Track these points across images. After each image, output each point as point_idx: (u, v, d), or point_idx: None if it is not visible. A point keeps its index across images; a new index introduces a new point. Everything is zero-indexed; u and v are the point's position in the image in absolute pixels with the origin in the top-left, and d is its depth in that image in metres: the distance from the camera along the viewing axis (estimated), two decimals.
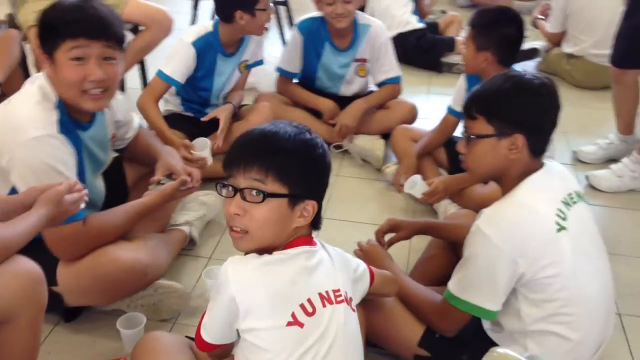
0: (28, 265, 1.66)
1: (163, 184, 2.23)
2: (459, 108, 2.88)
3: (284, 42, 4.66)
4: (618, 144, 3.31)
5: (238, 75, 3.16)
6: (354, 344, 1.52)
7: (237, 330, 1.44)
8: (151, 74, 3.26)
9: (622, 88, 3.16)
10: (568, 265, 1.67)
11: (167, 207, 2.38)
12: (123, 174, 2.46)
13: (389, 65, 3.30)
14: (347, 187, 3.07)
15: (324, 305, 1.43)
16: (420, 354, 1.88)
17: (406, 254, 2.52)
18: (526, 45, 4.16)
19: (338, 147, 3.30)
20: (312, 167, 1.48)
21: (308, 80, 3.38)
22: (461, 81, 2.86)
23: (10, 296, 1.59)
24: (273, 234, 1.46)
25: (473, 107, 1.76)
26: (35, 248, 1.90)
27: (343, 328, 1.45)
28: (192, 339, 1.57)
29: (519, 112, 1.72)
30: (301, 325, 1.39)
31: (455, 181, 2.68)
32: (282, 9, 4.70)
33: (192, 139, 2.89)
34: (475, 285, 1.72)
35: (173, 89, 2.99)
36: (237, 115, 3.11)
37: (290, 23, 4.65)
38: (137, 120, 2.43)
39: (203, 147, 2.75)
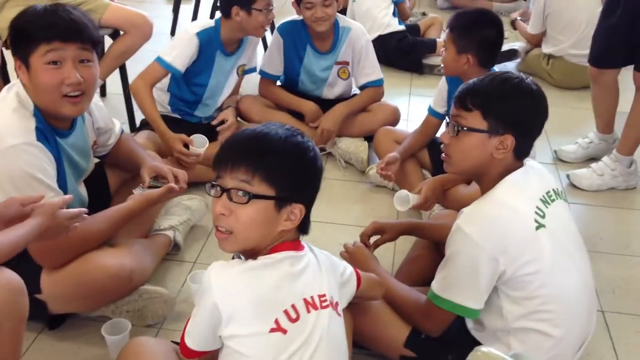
0: (8, 276, 1.64)
1: (157, 186, 2.22)
2: (440, 109, 2.90)
3: (265, 44, 4.66)
4: (598, 142, 3.35)
5: (235, 79, 3.18)
6: (339, 349, 1.52)
7: (220, 336, 1.43)
8: (131, 79, 3.25)
9: (601, 87, 3.19)
10: (547, 262, 1.69)
11: (150, 212, 2.37)
12: (105, 179, 2.44)
13: (371, 68, 3.31)
14: (331, 189, 3.08)
15: (309, 311, 1.43)
16: (406, 354, 1.88)
17: (391, 255, 2.53)
18: (505, 46, 4.21)
19: (321, 150, 3.30)
20: (302, 170, 1.48)
21: (291, 83, 3.38)
22: (442, 83, 2.87)
23: None
24: (258, 236, 1.46)
25: (469, 99, 1.76)
26: (18, 256, 1.89)
27: (327, 333, 1.45)
28: (177, 343, 1.57)
29: (515, 114, 1.74)
30: (284, 331, 1.39)
31: (440, 182, 2.69)
32: None
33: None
34: (457, 284, 1.73)
35: (165, 85, 2.99)
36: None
37: (271, 27, 4.64)
38: (119, 126, 2.42)
39: (200, 145, 2.76)
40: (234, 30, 2.95)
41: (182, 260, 2.51)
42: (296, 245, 1.50)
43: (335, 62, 3.28)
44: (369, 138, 3.22)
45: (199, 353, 1.47)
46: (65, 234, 1.70)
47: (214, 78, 3.05)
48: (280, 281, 1.43)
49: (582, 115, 3.83)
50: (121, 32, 3.36)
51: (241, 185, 1.41)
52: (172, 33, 4.98)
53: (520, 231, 1.68)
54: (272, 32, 4.40)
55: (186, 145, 2.77)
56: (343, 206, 2.94)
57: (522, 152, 1.77)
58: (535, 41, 4.43)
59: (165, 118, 3.03)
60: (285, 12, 5.27)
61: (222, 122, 3.09)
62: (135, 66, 3.29)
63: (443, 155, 1.86)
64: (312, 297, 1.44)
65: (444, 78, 2.85)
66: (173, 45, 2.94)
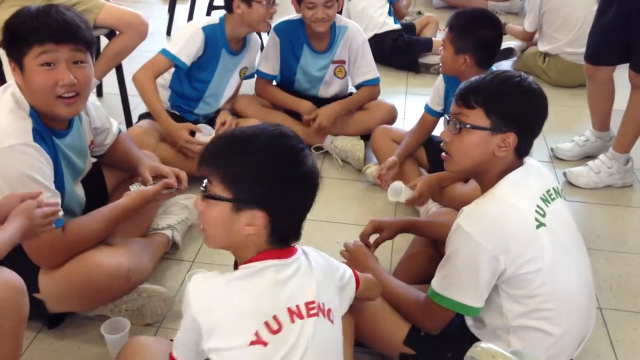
0: (9, 277, 1.64)
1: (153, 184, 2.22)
2: (436, 107, 2.90)
3: (261, 45, 4.65)
4: (594, 140, 3.36)
5: (237, 81, 3.19)
6: (330, 357, 1.49)
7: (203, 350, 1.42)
8: (128, 79, 3.25)
9: (596, 85, 3.20)
10: (548, 261, 1.69)
11: (149, 211, 2.37)
12: (103, 179, 2.44)
13: (367, 67, 3.31)
14: (328, 188, 3.08)
15: (293, 321, 1.39)
16: (406, 352, 1.88)
17: (389, 254, 2.54)
18: (502, 45, 4.22)
19: (318, 148, 3.30)
20: (267, 176, 1.40)
21: (287, 82, 3.38)
22: (439, 81, 2.88)
23: None
24: (223, 237, 1.44)
25: (471, 97, 1.75)
26: (16, 255, 1.89)
27: (315, 343, 1.41)
28: None
29: (518, 111, 1.74)
30: (265, 344, 1.36)
31: (437, 180, 2.70)
32: None
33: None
34: (457, 283, 1.73)
35: (167, 81, 2.99)
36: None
37: None
38: (117, 125, 2.41)
39: (207, 134, 2.78)
40: (237, 26, 2.96)
41: (180, 260, 2.51)
42: (282, 253, 1.45)
43: (331, 61, 3.28)
44: (366, 137, 3.22)
45: None
46: (45, 232, 1.69)
47: (218, 75, 3.05)
48: (261, 291, 1.40)
49: (578, 114, 3.84)
50: (117, 32, 3.36)
51: (205, 185, 1.42)
52: (168, 33, 4.98)
53: (521, 230, 1.68)
54: (268, 32, 4.42)
55: (192, 135, 2.80)
56: (340, 205, 2.95)
57: (523, 150, 1.78)
58: (529, 37, 4.44)
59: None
60: (281, 11, 5.27)
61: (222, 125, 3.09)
62: (131, 66, 3.28)
63: (443, 154, 1.85)
64: (297, 306, 1.41)
65: (441, 76, 2.86)
66: (178, 38, 2.94)
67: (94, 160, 2.37)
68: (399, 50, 4.44)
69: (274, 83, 3.43)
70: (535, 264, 1.68)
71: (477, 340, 1.81)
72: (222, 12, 3.04)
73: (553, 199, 1.77)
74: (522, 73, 1.83)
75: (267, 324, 1.37)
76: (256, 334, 1.36)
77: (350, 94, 3.42)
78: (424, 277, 2.26)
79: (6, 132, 1.86)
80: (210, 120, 3.16)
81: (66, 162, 2.06)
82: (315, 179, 1.47)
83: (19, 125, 1.88)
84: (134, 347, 1.70)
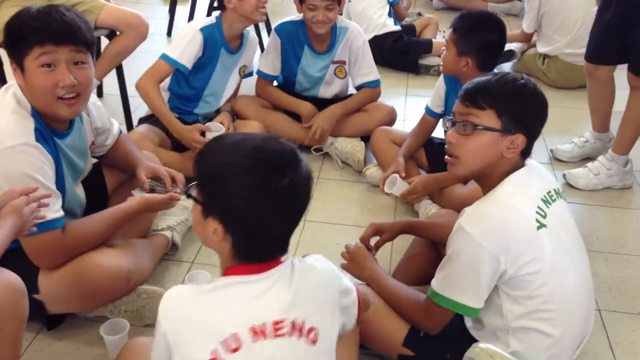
0: (9, 278, 1.64)
1: (153, 189, 2.22)
2: (436, 109, 2.91)
3: (261, 45, 4.66)
4: (593, 142, 3.36)
5: (237, 80, 3.19)
6: None
7: None
8: (128, 80, 3.25)
9: (596, 84, 3.21)
10: (548, 262, 1.69)
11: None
12: (103, 180, 2.44)
13: (367, 69, 3.31)
14: (328, 189, 3.08)
15: (255, 340, 1.32)
16: (405, 353, 1.89)
17: (389, 254, 2.54)
18: None
19: (318, 149, 3.31)
20: (226, 190, 1.34)
21: (288, 83, 3.39)
22: (440, 83, 2.88)
23: None
24: (203, 240, 1.43)
25: (480, 97, 1.74)
26: (15, 256, 1.90)
27: None
28: None
29: (527, 113, 1.74)
30: None
31: (435, 180, 2.71)
32: None
33: (175, 139, 2.91)
34: (458, 283, 1.73)
35: (165, 83, 2.99)
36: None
37: (267, 28, 4.65)
38: (117, 126, 2.42)
39: (217, 131, 2.81)
40: (233, 22, 2.96)
41: (180, 261, 2.51)
42: (252, 269, 1.37)
43: (332, 61, 3.28)
44: (366, 138, 3.23)
45: None
46: (31, 224, 1.68)
47: (217, 74, 3.06)
48: (222, 308, 1.34)
49: (578, 115, 3.84)
50: (117, 33, 3.36)
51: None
52: (169, 34, 4.98)
53: (522, 231, 1.68)
54: (269, 33, 4.42)
55: (202, 134, 2.83)
56: (340, 206, 2.95)
57: (527, 151, 1.78)
58: (527, 38, 4.45)
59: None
60: (282, 11, 5.29)
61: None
62: (132, 66, 3.30)
63: (448, 157, 1.83)
64: (263, 325, 1.33)
65: (441, 78, 2.86)
66: (178, 42, 2.95)
67: (94, 161, 2.37)
68: (398, 52, 4.44)
69: (275, 83, 3.43)
70: (536, 265, 1.68)
71: (476, 341, 1.81)
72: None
73: (554, 200, 1.78)
74: (523, 75, 1.83)
75: (225, 342, 1.31)
76: (214, 351, 1.31)
77: (351, 94, 3.42)
78: (424, 278, 2.26)
79: (8, 132, 1.86)
80: (210, 120, 3.16)
81: (67, 162, 2.06)
82: (289, 202, 1.35)
83: (21, 126, 1.88)
84: (133, 348, 1.70)
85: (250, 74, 3.34)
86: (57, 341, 2.10)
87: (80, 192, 2.21)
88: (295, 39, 3.26)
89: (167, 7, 5.19)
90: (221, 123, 3.06)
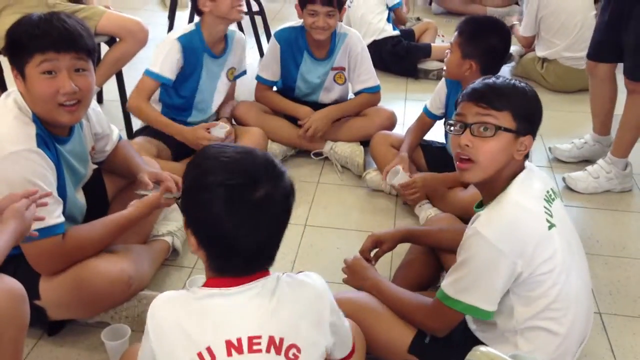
0: (10, 284, 1.64)
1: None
2: (435, 111, 2.92)
3: (260, 51, 4.67)
4: (592, 144, 3.37)
5: (226, 83, 3.16)
6: None
7: None
8: (128, 86, 3.25)
9: (596, 82, 3.23)
10: (559, 261, 1.70)
11: (149, 217, 2.37)
12: (103, 186, 2.44)
13: (367, 75, 3.31)
14: (328, 194, 3.09)
15: (230, 355, 1.30)
16: (410, 359, 1.89)
17: (389, 259, 2.54)
18: None
19: (318, 154, 3.31)
20: (195, 203, 1.34)
21: (287, 89, 3.39)
22: (441, 86, 2.88)
23: None
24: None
25: (497, 99, 1.72)
26: (17, 262, 1.90)
27: None
28: None
29: (536, 115, 1.76)
30: None
31: (435, 179, 2.71)
32: (258, 18, 4.72)
33: (173, 149, 2.91)
34: (472, 287, 1.72)
35: (156, 95, 2.98)
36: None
37: (267, 32, 4.66)
38: (117, 132, 2.42)
39: (222, 128, 2.83)
40: (212, 25, 2.93)
41: (180, 266, 2.52)
42: (229, 282, 1.35)
43: (331, 68, 3.29)
44: (366, 143, 3.23)
45: None
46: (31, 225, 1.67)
47: (204, 81, 3.04)
48: (197, 321, 1.32)
49: (577, 119, 3.85)
50: (117, 39, 3.37)
51: None
52: None
53: (536, 233, 1.68)
54: (268, 38, 4.43)
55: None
56: (340, 210, 2.95)
57: (528, 153, 1.78)
58: (527, 44, 4.45)
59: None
60: (281, 17, 5.31)
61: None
62: (132, 73, 3.30)
63: (462, 162, 1.76)
64: (239, 340, 1.31)
65: (443, 81, 2.87)
66: (157, 55, 2.93)
67: (94, 166, 2.38)
68: (397, 56, 4.46)
69: (275, 89, 3.44)
70: (549, 265, 1.68)
71: (481, 344, 1.81)
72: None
73: (553, 200, 1.78)
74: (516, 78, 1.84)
75: (200, 355, 1.30)
76: None
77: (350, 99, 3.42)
78: (423, 283, 2.27)
79: (10, 138, 1.86)
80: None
81: (68, 168, 2.06)
82: (264, 214, 1.32)
83: (23, 132, 1.88)
84: (134, 354, 1.69)
85: (244, 73, 3.30)
86: (58, 347, 2.10)
87: (80, 197, 2.21)
88: (294, 45, 3.26)
89: (166, 13, 5.19)
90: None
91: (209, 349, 1.30)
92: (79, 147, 2.14)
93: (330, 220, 2.86)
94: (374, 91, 3.34)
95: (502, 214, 1.71)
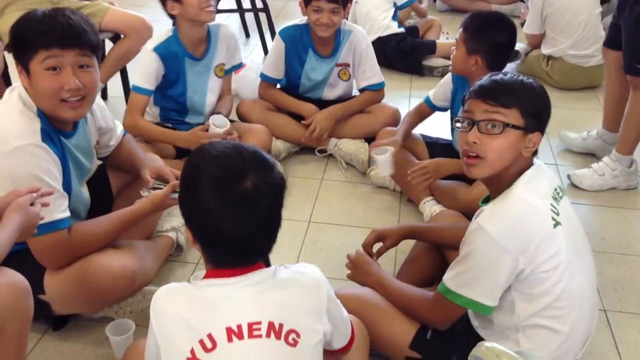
0: (14, 278, 1.64)
1: (158, 188, 2.21)
2: (438, 103, 2.92)
3: (264, 48, 4.67)
4: (595, 137, 3.37)
5: (218, 82, 3.12)
6: None
7: None
8: (132, 82, 3.25)
9: (608, 72, 3.26)
10: (563, 259, 1.69)
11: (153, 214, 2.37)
12: (107, 182, 2.45)
13: (371, 72, 3.30)
14: (333, 190, 3.09)
15: (230, 340, 1.33)
16: (412, 355, 1.88)
17: (393, 255, 2.54)
18: None
19: (322, 151, 3.31)
20: (188, 196, 1.39)
21: (292, 86, 3.39)
22: (447, 80, 2.87)
23: None
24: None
25: (505, 96, 1.71)
26: (21, 257, 1.90)
27: None
28: None
29: (545, 112, 1.75)
30: None
31: (448, 163, 2.64)
32: (262, 15, 4.72)
33: (176, 147, 2.90)
34: (474, 281, 1.71)
35: (152, 99, 2.97)
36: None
37: (271, 29, 4.66)
38: (121, 128, 2.42)
39: (221, 125, 2.80)
40: (185, 28, 2.88)
41: (185, 262, 2.52)
42: (226, 273, 1.38)
43: (335, 64, 3.29)
44: (370, 139, 3.22)
45: None
46: (37, 224, 1.67)
47: (191, 85, 2.99)
48: (199, 309, 1.36)
49: (582, 116, 3.84)
50: (121, 36, 3.37)
51: None
52: None
53: (541, 230, 1.67)
54: (272, 36, 4.43)
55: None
56: (344, 207, 2.95)
57: (536, 150, 1.77)
58: (534, 42, 4.44)
59: (158, 125, 3.03)
60: (285, 15, 5.31)
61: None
62: (136, 69, 3.30)
63: (469, 159, 1.76)
64: (239, 326, 1.34)
65: (449, 75, 2.85)
66: (138, 68, 2.92)
67: (99, 162, 2.38)
68: (402, 53, 4.45)
69: (278, 86, 3.44)
70: (552, 262, 1.67)
71: (482, 340, 1.80)
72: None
73: (561, 197, 1.77)
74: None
75: (201, 342, 1.33)
76: (192, 351, 1.33)
77: (355, 96, 3.42)
78: (428, 280, 2.27)
79: (15, 133, 1.86)
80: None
81: (73, 162, 2.07)
82: (251, 206, 1.34)
83: (28, 126, 1.88)
84: (138, 349, 1.70)
85: (239, 65, 3.22)
86: (63, 342, 2.11)
87: (85, 192, 2.21)
88: (299, 43, 3.26)
89: None
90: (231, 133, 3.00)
91: (209, 336, 1.33)
92: (84, 142, 2.14)
93: (334, 217, 2.86)
94: (378, 88, 3.33)
95: (506, 210, 1.70)
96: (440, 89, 2.92)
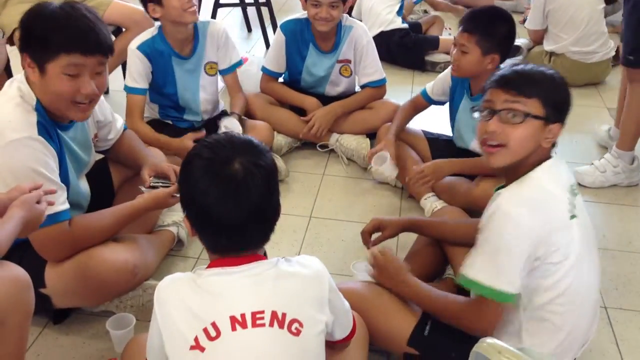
0: (15, 271, 1.64)
1: (155, 186, 2.21)
2: (435, 97, 2.92)
3: (266, 42, 4.66)
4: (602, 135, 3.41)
5: (210, 80, 3.06)
6: None
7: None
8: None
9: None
10: (574, 253, 1.68)
11: None
12: (109, 176, 2.45)
13: (372, 68, 3.29)
14: (334, 186, 3.08)
15: (234, 329, 1.35)
16: (410, 351, 1.88)
17: (394, 252, 2.54)
18: None
19: (324, 146, 3.30)
20: (184, 181, 1.43)
21: (293, 80, 3.38)
22: (446, 75, 2.86)
23: None
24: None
25: (526, 86, 1.70)
26: (22, 250, 1.90)
27: (260, 354, 1.37)
28: None
29: (566, 102, 1.74)
30: (202, 349, 1.34)
31: (447, 165, 2.63)
32: (264, 9, 4.70)
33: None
34: (498, 268, 1.67)
35: (149, 97, 2.96)
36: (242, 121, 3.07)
37: (273, 24, 4.65)
38: (121, 122, 2.42)
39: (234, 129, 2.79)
40: (171, 29, 2.84)
41: (185, 256, 2.52)
42: (228, 262, 1.41)
43: (337, 60, 3.28)
44: (372, 135, 3.22)
45: None
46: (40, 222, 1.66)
47: (180, 84, 2.96)
48: (202, 298, 1.37)
49: (585, 112, 3.83)
50: (123, 29, 3.37)
51: None
52: None
53: (557, 217, 1.67)
54: (274, 30, 4.42)
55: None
56: (345, 202, 2.95)
57: (555, 142, 1.77)
58: (536, 38, 4.43)
59: (159, 122, 3.03)
60: (287, 9, 5.30)
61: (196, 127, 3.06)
62: None
63: (490, 147, 1.74)
64: (242, 315, 1.35)
65: (448, 70, 2.84)
66: (127, 68, 2.90)
67: (100, 156, 2.38)
68: (405, 48, 4.44)
69: (281, 80, 3.43)
70: (562, 254, 1.67)
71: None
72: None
73: (576, 194, 1.77)
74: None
75: (205, 330, 1.34)
76: (195, 339, 1.34)
77: (357, 92, 3.42)
78: (428, 275, 2.26)
79: (12, 125, 1.86)
80: (213, 120, 3.11)
81: (71, 155, 2.07)
82: (242, 189, 1.37)
83: (24, 119, 1.88)
84: (139, 343, 1.70)
85: (239, 64, 3.15)
86: (63, 335, 2.11)
87: (84, 185, 2.21)
88: (300, 38, 3.25)
89: None
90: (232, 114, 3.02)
91: (214, 324, 1.34)
92: (81, 134, 2.13)
93: (335, 212, 2.85)
94: (380, 84, 3.32)
95: (527, 193, 1.69)
96: (439, 82, 2.90)
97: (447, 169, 2.63)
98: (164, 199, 2.15)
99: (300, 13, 3.25)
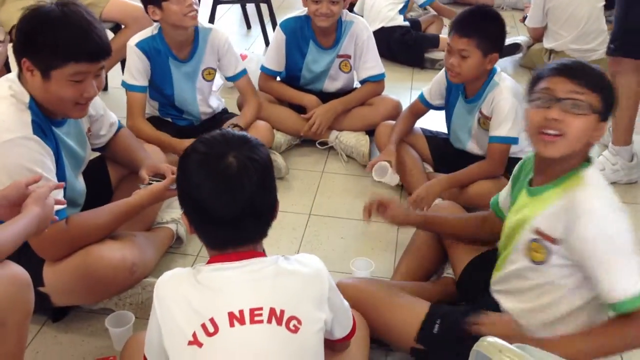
0: (15, 270, 1.64)
1: (151, 183, 2.21)
2: (432, 100, 2.92)
3: (266, 39, 4.66)
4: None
5: (208, 85, 3.05)
6: None
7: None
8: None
9: None
10: None
11: (153, 205, 2.37)
12: (107, 174, 2.45)
13: (372, 63, 3.29)
14: (333, 183, 3.08)
15: (232, 325, 1.35)
16: (417, 347, 1.88)
17: (393, 249, 2.54)
18: (508, 40, 4.21)
19: (323, 143, 3.30)
20: (181, 176, 1.45)
21: (292, 78, 3.38)
22: (441, 77, 2.86)
23: None
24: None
25: (592, 80, 1.68)
26: (20, 249, 1.89)
27: (260, 350, 1.37)
28: None
29: (615, 104, 1.72)
30: (200, 345, 1.35)
31: (440, 185, 2.65)
32: (264, 6, 4.70)
33: (176, 137, 2.88)
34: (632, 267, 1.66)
35: (150, 94, 2.96)
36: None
37: (272, 21, 4.65)
38: (115, 118, 2.40)
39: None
40: (170, 31, 2.84)
41: (184, 253, 2.52)
42: (228, 257, 1.41)
43: (337, 55, 3.28)
44: (371, 132, 3.22)
45: None
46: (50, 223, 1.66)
47: (178, 86, 2.96)
48: (201, 294, 1.38)
49: None
50: (122, 26, 3.36)
51: None
52: None
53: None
54: (274, 27, 4.42)
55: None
56: (345, 200, 2.95)
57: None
58: (536, 35, 4.43)
59: (160, 120, 3.03)
60: (287, 6, 5.29)
61: (195, 126, 3.06)
62: None
63: (547, 135, 1.68)
64: (241, 312, 1.36)
65: (442, 72, 2.84)
66: (126, 65, 2.90)
67: (96, 154, 2.37)
68: (405, 45, 4.44)
69: (278, 79, 3.43)
70: None
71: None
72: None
73: None
74: None
75: (203, 325, 1.35)
76: (194, 335, 1.35)
77: (355, 88, 3.41)
78: (427, 273, 2.26)
79: (5, 125, 1.85)
80: (215, 120, 3.12)
81: (67, 151, 2.06)
82: (236, 182, 1.38)
83: (18, 119, 1.87)
84: (138, 341, 1.70)
85: (243, 73, 3.09)
86: (62, 333, 2.11)
87: (80, 182, 2.20)
88: (300, 35, 3.24)
89: None
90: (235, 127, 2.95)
91: (212, 320, 1.35)
92: (75, 129, 2.13)
93: (334, 210, 2.85)
94: (379, 79, 3.32)
95: (605, 194, 1.71)
96: (435, 85, 2.89)
97: (439, 187, 2.64)
98: (160, 193, 2.14)
99: (300, 10, 3.25)
